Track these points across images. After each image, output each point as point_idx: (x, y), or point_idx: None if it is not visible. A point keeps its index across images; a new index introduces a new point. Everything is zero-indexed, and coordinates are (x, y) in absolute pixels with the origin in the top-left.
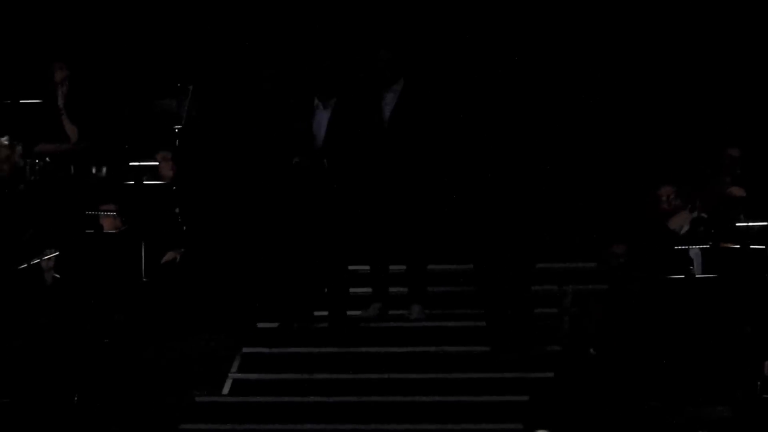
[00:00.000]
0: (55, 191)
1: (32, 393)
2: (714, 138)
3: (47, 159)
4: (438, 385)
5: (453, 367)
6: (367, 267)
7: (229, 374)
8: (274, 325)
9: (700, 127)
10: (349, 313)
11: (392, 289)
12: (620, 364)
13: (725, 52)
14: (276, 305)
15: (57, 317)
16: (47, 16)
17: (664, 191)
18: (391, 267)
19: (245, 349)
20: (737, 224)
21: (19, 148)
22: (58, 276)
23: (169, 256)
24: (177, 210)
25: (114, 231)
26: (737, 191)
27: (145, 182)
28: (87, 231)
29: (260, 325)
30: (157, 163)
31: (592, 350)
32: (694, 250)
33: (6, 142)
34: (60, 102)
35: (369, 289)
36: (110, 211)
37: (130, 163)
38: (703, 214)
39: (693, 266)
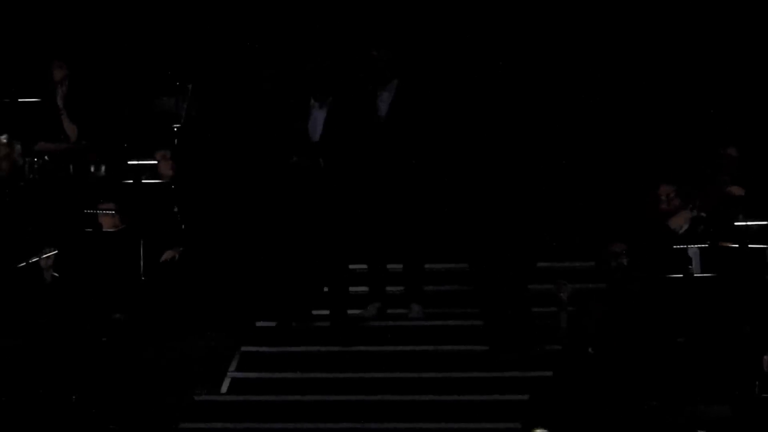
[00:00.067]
0: (55, 190)
1: (31, 392)
2: (713, 138)
3: (46, 158)
4: (437, 384)
5: (452, 366)
6: (365, 266)
7: (228, 373)
8: (273, 324)
9: (700, 127)
10: (348, 312)
11: (390, 289)
12: (619, 363)
13: (724, 52)
14: (275, 304)
15: (56, 316)
16: (47, 15)
17: (664, 191)
18: (389, 266)
19: (244, 348)
20: (736, 223)
21: (18, 147)
22: (57, 275)
23: (168, 254)
24: (176, 209)
25: (113, 230)
26: (736, 191)
27: (144, 181)
28: (86, 229)
29: (259, 324)
30: (156, 162)
31: (591, 350)
32: (693, 249)
33: (5, 141)
34: (59, 101)
35: (367, 289)
36: (109, 210)
37: (129, 162)
38: (703, 214)
39: (692, 265)
